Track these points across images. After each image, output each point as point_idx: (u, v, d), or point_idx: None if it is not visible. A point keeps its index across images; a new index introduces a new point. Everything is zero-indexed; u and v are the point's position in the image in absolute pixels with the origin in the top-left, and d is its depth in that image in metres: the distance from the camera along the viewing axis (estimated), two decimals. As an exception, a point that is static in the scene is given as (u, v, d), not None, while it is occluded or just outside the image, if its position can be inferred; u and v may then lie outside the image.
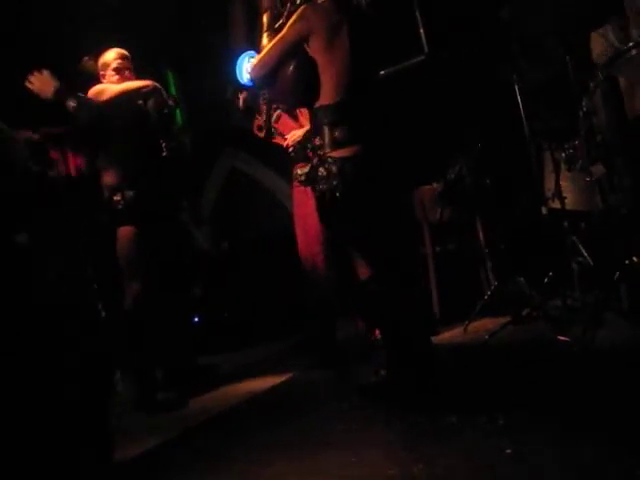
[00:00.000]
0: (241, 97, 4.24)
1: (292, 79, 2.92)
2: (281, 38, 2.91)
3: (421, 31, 4.95)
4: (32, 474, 2.40)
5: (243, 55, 5.13)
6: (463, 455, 2.12)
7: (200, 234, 5.68)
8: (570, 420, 2.21)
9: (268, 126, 4.10)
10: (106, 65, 3.87)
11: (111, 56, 3.88)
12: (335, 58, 2.85)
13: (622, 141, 3.43)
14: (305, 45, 2.88)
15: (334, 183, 2.81)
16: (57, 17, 4.62)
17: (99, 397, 2.85)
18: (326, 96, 2.86)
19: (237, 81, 5.15)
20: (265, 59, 2.96)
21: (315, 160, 2.91)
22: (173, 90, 5.78)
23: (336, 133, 2.83)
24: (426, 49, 4.92)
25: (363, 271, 2.93)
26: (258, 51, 3.14)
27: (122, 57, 3.88)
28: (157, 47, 5.24)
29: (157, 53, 5.26)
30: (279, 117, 4.15)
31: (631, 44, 3.38)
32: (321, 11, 2.88)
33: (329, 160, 2.83)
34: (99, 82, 3.84)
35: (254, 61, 3.05)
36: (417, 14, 4.95)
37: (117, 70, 3.84)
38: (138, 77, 3.89)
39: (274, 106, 4.12)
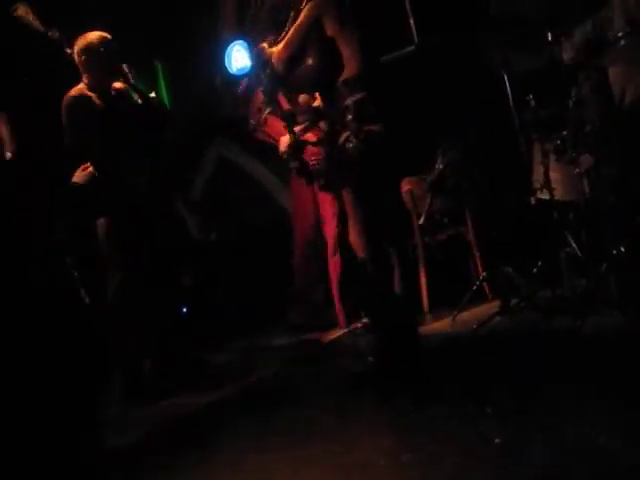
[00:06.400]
0: (242, 83, 4.25)
1: (313, 69, 2.99)
2: (297, 25, 2.99)
3: (411, 21, 4.93)
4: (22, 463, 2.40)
5: (232, 44, 5.12)
6: (451, 444, 2.13)
7: (191, 223, 5.67)
8: (558, 409, 2.23)
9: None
10: (90, 48, 3.55)
11: (95, 37, 3.57)
12: (352, 38, 2.95)
13: (610, 131, 3.44)
14: (321, 31, 2.94)
15: (360, 152, 2.87)
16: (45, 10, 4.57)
17: (90, 386, 2.85)
18: (351, 69, 2.93)
19: (226, 70, 5.14)
20: (285, 46, 3.02)
21: (345, 134, 2.93)
22: (162, 81, 5.74)
23: (365, 107, 2.89)
24: (416, 40, 4.91)
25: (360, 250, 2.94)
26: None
27: (106, 39, 3.58)
28: (145, 37, 5.19)
29: (145, 43, 5.22)
30: (266, 120, 4.16)
31: (620, 34, 3.38)
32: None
33: (356, 133, 2.88)
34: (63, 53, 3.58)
35: (275, 52, 3.07)
36: (407, 4, 4.93)
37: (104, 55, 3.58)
38: (121, 65, 3.68)
39: (263, 107, 4.13)
